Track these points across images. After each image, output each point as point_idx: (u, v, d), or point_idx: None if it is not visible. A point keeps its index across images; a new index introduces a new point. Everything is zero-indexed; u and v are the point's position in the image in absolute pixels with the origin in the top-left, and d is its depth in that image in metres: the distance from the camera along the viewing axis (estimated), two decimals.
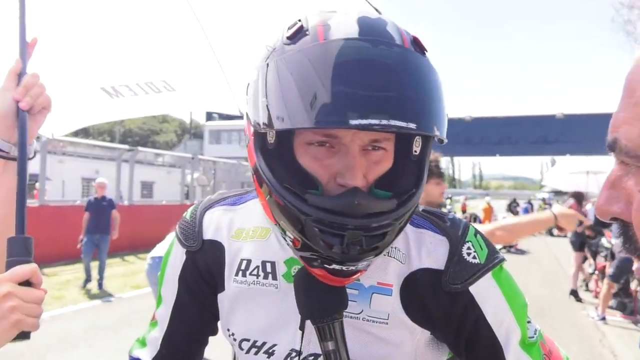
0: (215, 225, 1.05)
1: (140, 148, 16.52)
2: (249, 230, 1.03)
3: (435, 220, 1.00)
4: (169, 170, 25.14)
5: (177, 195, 19.49)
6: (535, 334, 0.99)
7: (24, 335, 0.99)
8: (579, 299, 8.81)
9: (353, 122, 0.69)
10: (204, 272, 1.05)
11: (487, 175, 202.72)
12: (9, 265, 1.01)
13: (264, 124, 0.77)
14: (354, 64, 0.72)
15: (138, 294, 8.57)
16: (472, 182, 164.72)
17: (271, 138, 0.84)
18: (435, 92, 0.77)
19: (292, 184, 0.81)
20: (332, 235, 0.77)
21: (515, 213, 22.75)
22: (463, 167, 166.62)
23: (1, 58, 1.42)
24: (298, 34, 0.79)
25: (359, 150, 0.81)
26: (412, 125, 0.71)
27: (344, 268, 0.80)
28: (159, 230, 13.59)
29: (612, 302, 8.05)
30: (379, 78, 0.72)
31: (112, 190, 15.04)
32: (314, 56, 0.74)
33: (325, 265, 0.81)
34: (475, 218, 19.28)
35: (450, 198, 31.21)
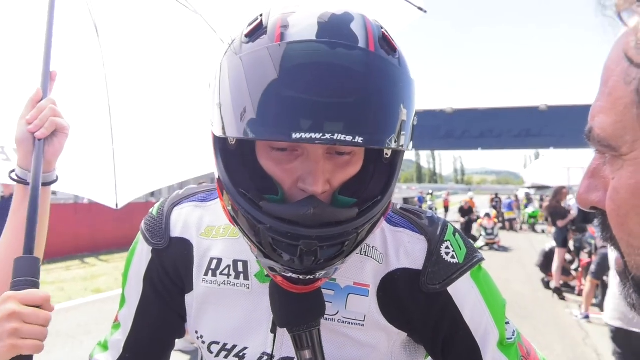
0: (184, 222, 1.05)
1: None
2: (219, 228, 1.03)
3: (413, 218, 1.01)
4: None
5: None
6: (513, 335, 1.02)
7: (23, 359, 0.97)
8: (562, 297, 9.02)
9: (295, 135, 0.68)
10: (171, 272, 1.04)
11: (469, 169, 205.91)
12: (15, 285, 1.02)
13: (216, 126, 0.76)
14: (304, 70, 0.70)
15: (99, 299, 8.43)
16: (453, 177, 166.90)
17: (232, 139, 0.83)
18: (396, 99, 0.75)
19: (250, 189, 0.80)
20: (286, 245, 0.76)
21: (497, 209, 23.18)
22: (444, 161, 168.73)
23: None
24: (256, 31, 0.77)
25: (323, 154, 0.79)
26: (360, 140, 0.69)
27: (301, 277, 0.81)
28: (121, 230, 13.48)
29: (596, 300, 8.28)
30: (329, 86, 0.70)
31: None
32: (265, 60, 0.72)
33: (283, 274, 0.82)
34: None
35: (431, 194, 31.52)
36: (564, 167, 12.53)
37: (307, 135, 0.68)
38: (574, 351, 6.32)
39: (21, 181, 1.25)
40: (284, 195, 0.81)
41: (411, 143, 0.80)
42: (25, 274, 1.04)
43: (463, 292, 0.96)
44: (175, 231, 1.04)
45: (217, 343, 1.00)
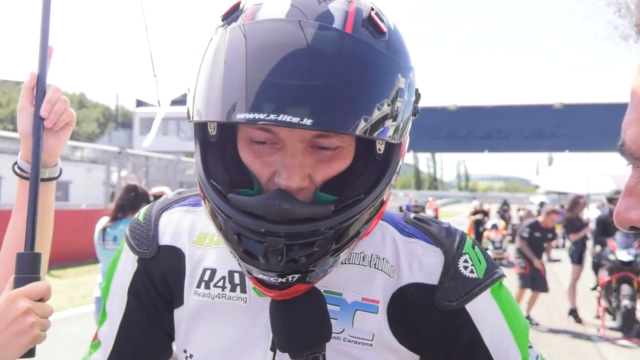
0: (174, 229, 1.06)
1: None
2: (213, 235, 1.04)
3: (428, 229, 1.02)
4: (90, 167, 24.62)
5: (99, 197, 19.09)
6: None
7: (30, 352, 1.10)
8: (578, 320, 9.09)
9: (239, 116, 0.71)
10: (158, 284, 1.05)
11: (474, 175, 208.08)
12: (18, 282, 1.12)
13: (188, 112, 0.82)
14: (260, 49, 0.74)
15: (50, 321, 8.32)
16: (456, 183, 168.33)
17: (212, 130, 0.87)
18: (370, 83, 0.76)
19: (222, 182, 0.84)
20: (252, 241, 0.78)
21: (506, 219, 23.24)
22: (446, 165, 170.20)
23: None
24: (232, 13, 0.82)
25: (304, 147, 0.81)
26: (308, 122, 0.71)
27: (271, 280, 0.81)
28: (77, 241, 13.34)
29: (616, 323, 8.36)
30: (284, 65, 0.72)
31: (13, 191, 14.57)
32: (228, 41, 0.77)
33: (253, 274, 0.83)
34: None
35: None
36: (583, 173, 12.67)
37: (251, 116, 0.70)
38: None
39: (26, 175, 1.30)
40: (260, 191, 0.83)
41: (406, 138, 0.85)
42: (27, 271, 1.14)
43: (482, 311, 0.96)
44: (165, 239, 1.05)
45: None
